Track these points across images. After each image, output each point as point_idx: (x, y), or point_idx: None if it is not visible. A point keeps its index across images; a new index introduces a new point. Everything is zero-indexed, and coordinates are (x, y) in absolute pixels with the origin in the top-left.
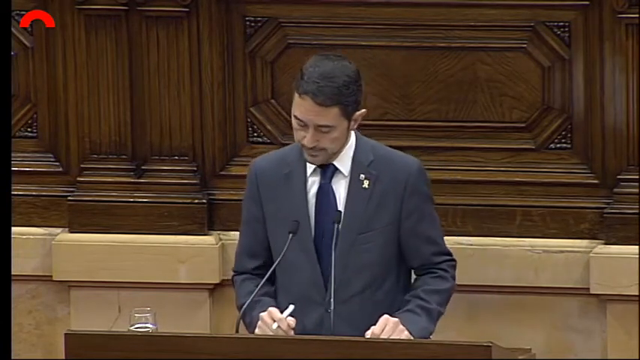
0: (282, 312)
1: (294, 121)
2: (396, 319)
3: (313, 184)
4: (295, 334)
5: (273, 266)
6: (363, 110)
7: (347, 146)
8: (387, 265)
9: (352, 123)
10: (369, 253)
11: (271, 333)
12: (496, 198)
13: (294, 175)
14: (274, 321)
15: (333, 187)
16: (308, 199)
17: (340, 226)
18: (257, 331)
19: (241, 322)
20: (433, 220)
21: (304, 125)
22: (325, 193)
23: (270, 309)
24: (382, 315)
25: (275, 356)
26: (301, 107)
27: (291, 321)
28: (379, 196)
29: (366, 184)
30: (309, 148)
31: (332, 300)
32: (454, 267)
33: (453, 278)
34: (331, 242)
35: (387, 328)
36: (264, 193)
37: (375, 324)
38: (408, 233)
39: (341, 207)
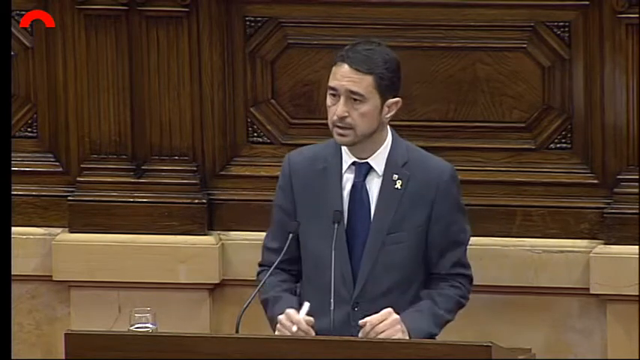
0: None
1: (328, 98)
2: (398, 317)
3: (347, 181)
4: (315, 331)
5: (275, 264)
6: (399, 99)
7: (383, 145)
8: (416, 267)
9: (386, 110)
10: (398, 253)
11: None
12: (496, 198)
13: (330, 171)
14: (293, 323)
15: (367, 185)
16: (343, 196)
17: (372, 221)
18: (277, 333)
19: (241, 322)
20: (462, 229)
21: (337, 96)
22: (358, 191)
23: (288, 311)
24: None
25: (275, 356)
26: (336, 74)
27: (309, 320)
28: (411, 197)
29: (398, 184)
30: (339, 119)
31: (335, 299)
32: (470, 283)
33: (469, 293)
34: (362, 239)
35: (386, 322)
36: (297, 186)
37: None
38: (436, 238)
39: (373, 206)
